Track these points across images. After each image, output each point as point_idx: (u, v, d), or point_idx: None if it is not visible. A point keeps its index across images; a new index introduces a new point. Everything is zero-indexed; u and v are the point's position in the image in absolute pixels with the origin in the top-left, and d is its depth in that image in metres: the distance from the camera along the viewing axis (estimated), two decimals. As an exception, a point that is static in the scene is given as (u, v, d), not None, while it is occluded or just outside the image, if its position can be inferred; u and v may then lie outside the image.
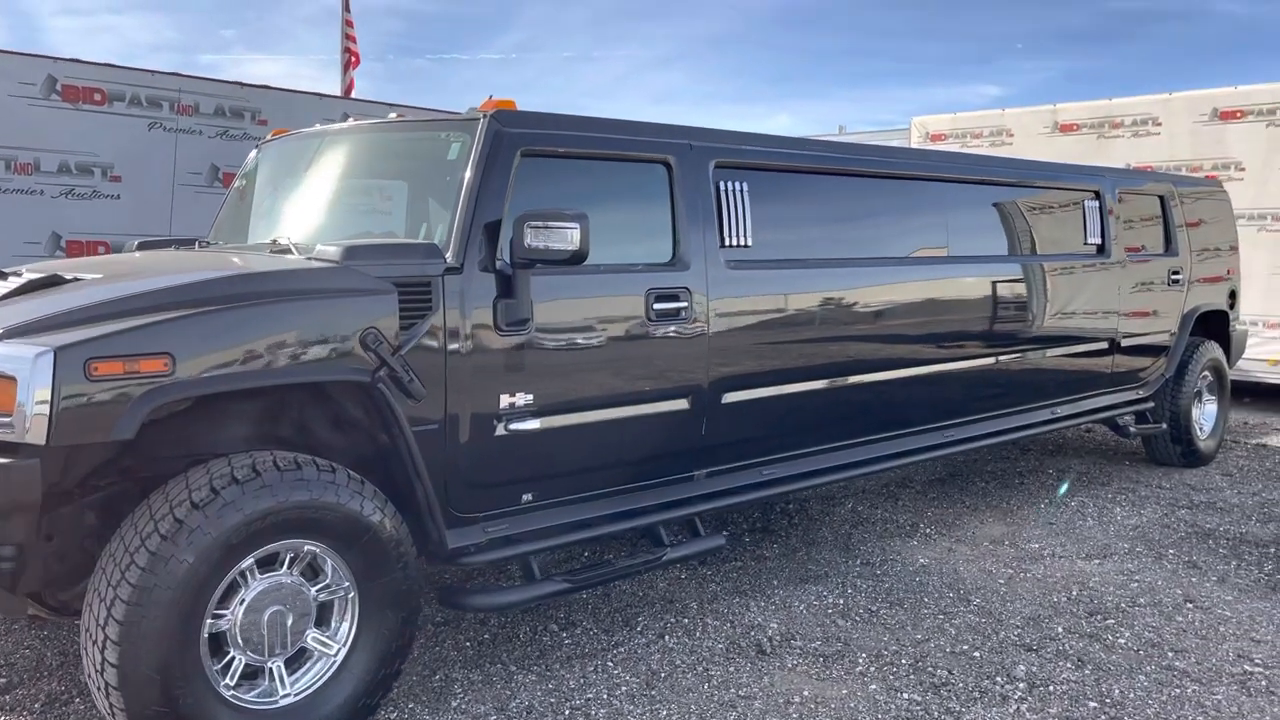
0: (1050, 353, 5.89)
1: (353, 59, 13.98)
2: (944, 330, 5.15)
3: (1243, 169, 9.67)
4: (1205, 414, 7.28)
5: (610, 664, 3.81)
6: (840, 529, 5.55)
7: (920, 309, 4.98)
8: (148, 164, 7.37)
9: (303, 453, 3.20)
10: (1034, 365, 5.79)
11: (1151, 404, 6.82)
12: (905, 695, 3.58)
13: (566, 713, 3.44)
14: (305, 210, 4.17)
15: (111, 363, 2.71)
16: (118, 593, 2.75)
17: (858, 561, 5.00)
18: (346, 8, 13.69)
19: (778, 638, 4.05)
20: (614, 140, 3.88)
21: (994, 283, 5.43)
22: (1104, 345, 6.29)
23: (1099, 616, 4.33)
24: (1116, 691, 3.64)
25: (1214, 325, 7.35)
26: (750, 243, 4.24)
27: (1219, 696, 3.62)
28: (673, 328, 3.94)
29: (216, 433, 3.27)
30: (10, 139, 6.86)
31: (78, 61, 7.11)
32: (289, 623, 3.05)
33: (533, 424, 3.57)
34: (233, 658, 2.97)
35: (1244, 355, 8.36)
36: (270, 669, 3.04)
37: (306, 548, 3.07)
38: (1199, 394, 7.14)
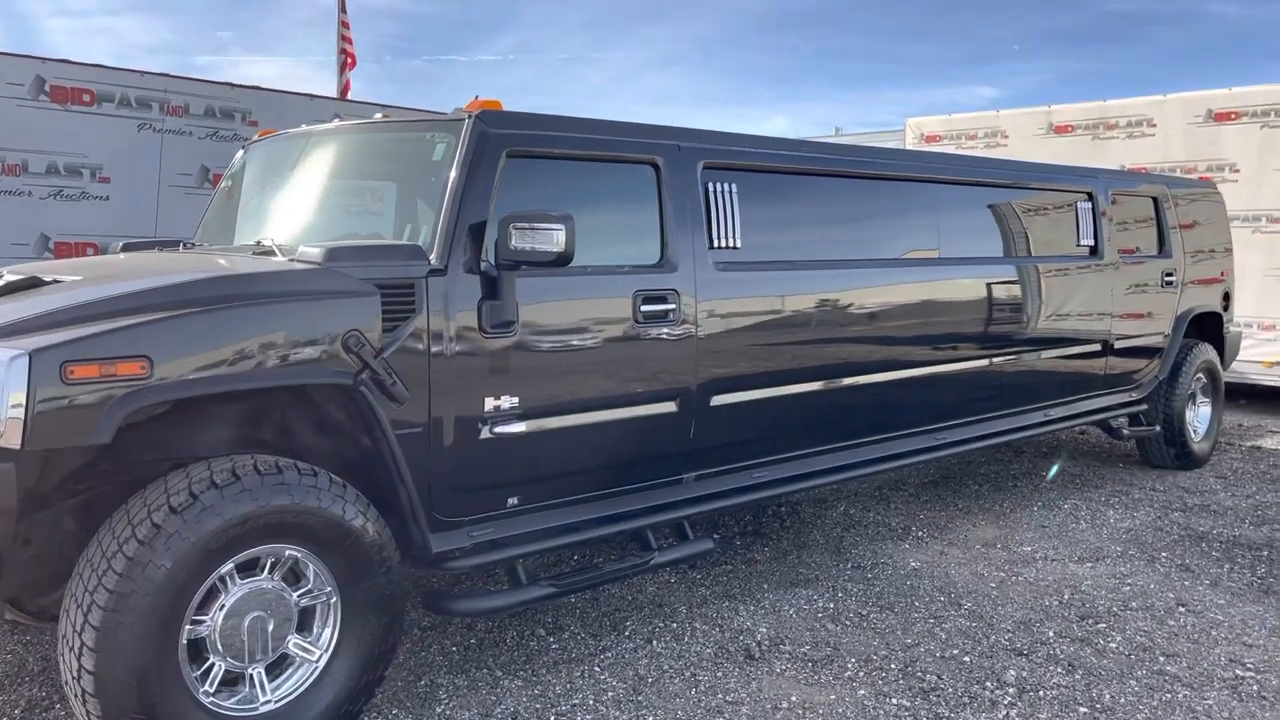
0: (1043, 355, 5.86)
1: (349, 60, 13.97)
2: (935, 332, 5.12)
3: (1237, 170, 9.65)
4: (1199, 416, 7.25)
5: (597, 669, 3.78)
6: (832, 532, 5.52)
7: (911, 311, 4.95)
8: (137, 165, 7.33)
9: (286, 456, 3.17)
10: (1026, 367, 5.76)
11: (1145, 406, 6.80)
12: (894, 700, 3.55)
13: (551, 719, 3.40)
14: (291, 211, 4.14)
15: (88, 365, 2.68)
16: (94, 598, 2.71)
17: (849, 565, 4.97)
18: (342, 9, 13.68)
19: (766, 642, 4.02)
20: (601, 141, 3.85)
21: (986, 284, 5.40)
22: (1097, 347, 6.27)
23: (1090, 620, 4.30)
24: (1107, 696, 3.61)
25: (1208, 327, 7.33)
26: (739, 244, 4.21)
27: (1210, 701, 3.59)
28: (660, 330, 3.91)
29: (198, 436, 3.24)
30: (-2, 140, 6.83)
31: (67, 62, 7.07)
32: (270, 628, 3.02)
33: (518, 427, 3.54)
34: (212, 664, 2.94)
35: (1239, 357, 8.35)
36: (251, 675, 3.01)
37: (288, 552, 3.03)
38: (1193, 396, 7.12)
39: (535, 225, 3.30)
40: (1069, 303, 6.02)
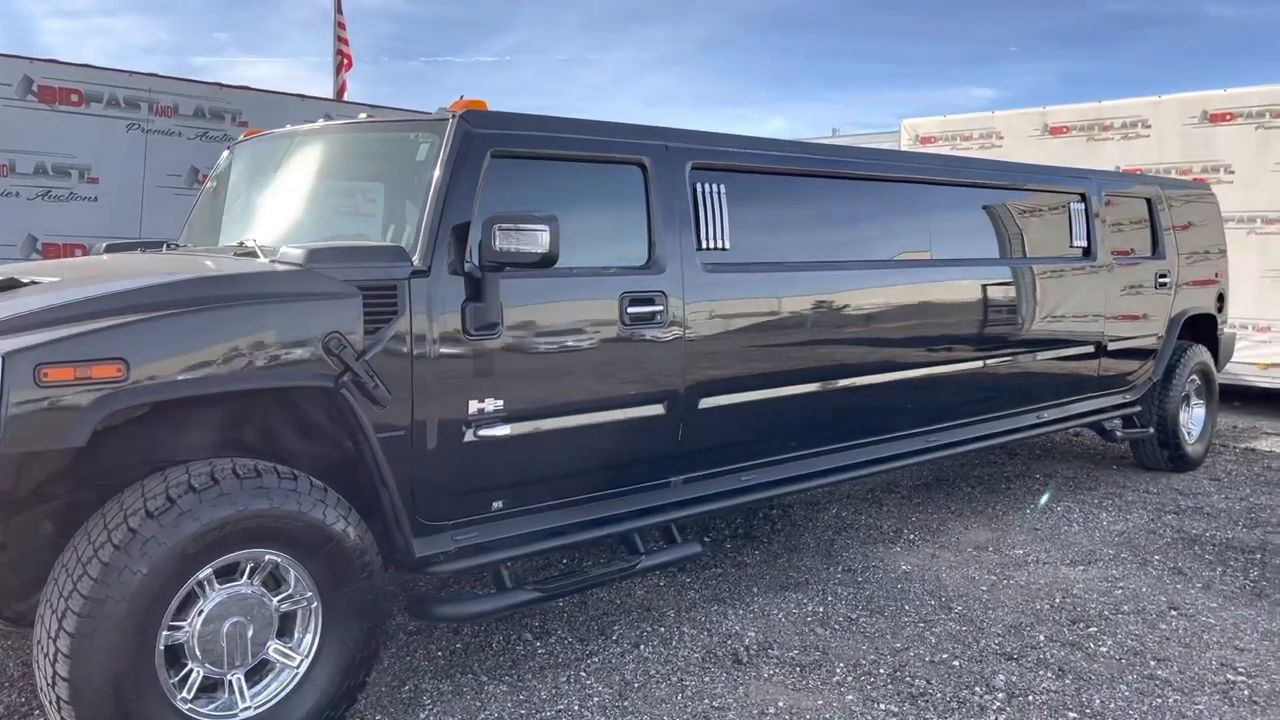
0: (1035, 356, 5.83)
1: (345, 61, 13.94)
2: (926, 334, 5.09)
3: (1232, 171, 9.64)
4: (1193, 418, 7.23)
5: (583, 674, 3.75)
6: (823, 535, 5.49)
7: (902, 313, 4.92)
8: (125, 166, 7.29)
9: (269, 459, 3.14)
10: (1018, 369, 5.73)
11: (1139, 408, 6.78)
12: (882, 706, 3.52)
13: (536, 725, 3.37)
14: (275, 212, 4.10)
15: (62, 368, 2.64)
16: (69, 604, 2.68)
17: (839, 568, 4.93)
18: (339, 10, 13.65)
19: (755, 647, 3.99)
20: (587, 141, 3.82)
21: (977, 286, 5.37)
22: (1090, 349, 6.24)
23: (1081, 624, 4.27)
24: (1097, 701, 3.58)
25: (1202, 329, 7.30)
26: (728, 245, 4.17)
27: (1201, 706, 3.56)
28: (647, 332, 3.87)
29: (178, 439, 3.20)
30: (-14, 140, 6.79)
31: (55, 62, 7.03)
32: (249, 634, 2.98)
33: (503, 430, 3.50)
34: (190, 670, 2.90)
35: (1234, 359, 8.33)
36: (230, 681, 2.97)
37: (268, 557, 3.00)
38: (1187, 398, 7.09)
39: (519, 226, 3.27)
40: (1062, 304, 5.99)
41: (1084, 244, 6.20)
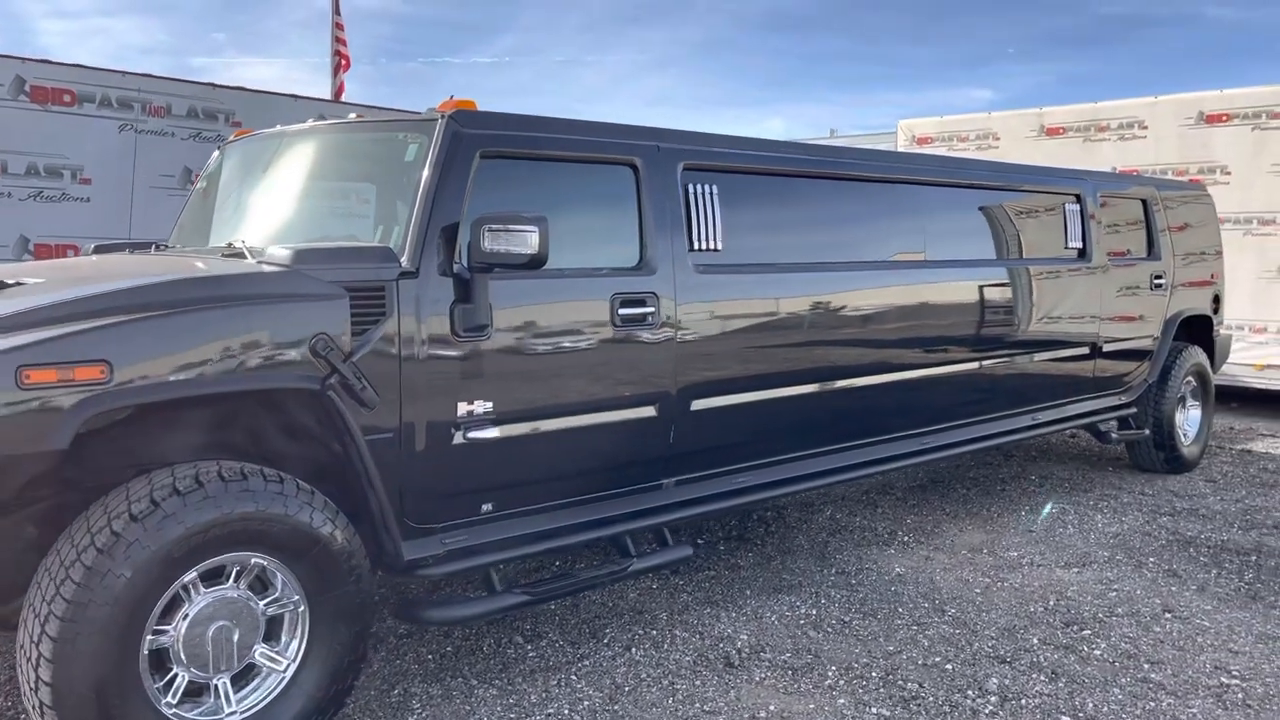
0: (1030, 358, 5.81)
1: (343, 62, 13.91)
2: (920, 336, 5.07)
3: (1229, 173, 9.63)
4: (1189, 419, 7.21)
5: (574, 678, 3.72)
6: (817, 537, 5.47)
7: (896, 314, 4.90)
8: (118, 166, 7.26)
9: (257, 461, 3.12)
10: (1013, 371, 5.72)
11: (1134, 409, 6.76)
12: (874, 710, 3.50)
13: (525, 729, 3.35)
14: (264, 213, 4.08)
15: (45, 370, 2.62)
16: (52, 608, 2.66)
17: (833, 571, 4.91)
18: (336, 10, 13.62)
19: (747, 650, 3.97)
20: (578, 142, 3.80)
21: (972, 287, 5.36)
22: (1085, 350, 6.22)
23: (1075, 627, 4.25)
24: (1090, 705, 3.56)
25: (1198, 330, 7.28)
26: (720, 246, 4.15)
27: (1194, 710, 3.54)
28: (639, 333, 3.85)
29: (165, 441, 3.18)
30: (-23, 141, 6.77)
31: (47, 62, 7.00)
32: (235, 638, 2.96)
33: (492, 432, 3.48)
34: (176, 674, 2.88)
35: (1231, 360, 8.31)
36: (216, 686, 2.95)
37: (254, 560, 2.97)
38: (1182, 399, 7.08)
39: (508, 227, 3.25)
40: (1056, 306, 5.98)
41: (1079, 245, 6.18)
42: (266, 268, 3.18)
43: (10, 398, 2.57)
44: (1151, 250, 6.86)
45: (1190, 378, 7.11)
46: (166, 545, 2.74)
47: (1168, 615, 4.41)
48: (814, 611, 4.38)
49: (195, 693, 2.93)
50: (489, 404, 3.46)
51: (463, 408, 3.41)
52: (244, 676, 3.01)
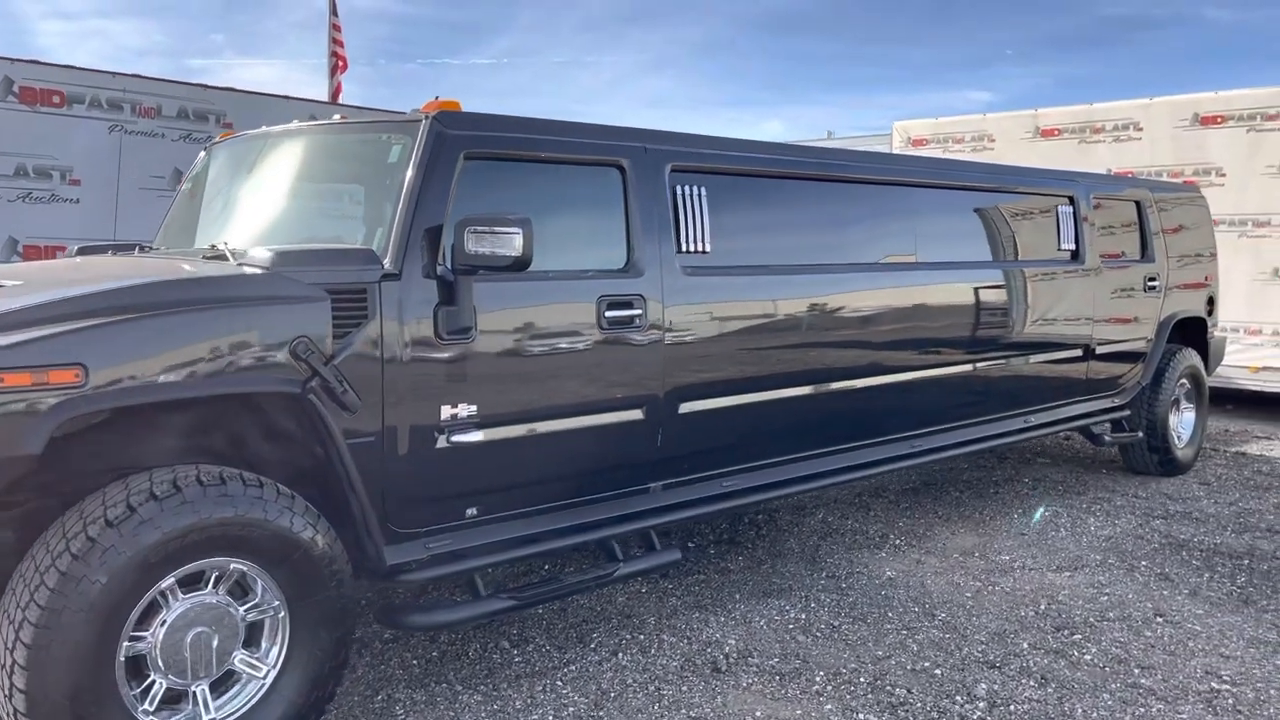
0: (1022, 360, 5.79)
1: (340, 63, 13.88)
2: (911, 338, 5.04)
3: (1224, 174, 9.61)
4: (1183, 422, 7.19)
5: (559, 683, 3.69)
6: (808, 540, 5.44)
7: (886, 316, 4.87)
8: (108, 167, 7.23)
9: (238, 465, 3.09)
10: (1005, 373, 5.69)
11: (1128, 412, 6.73)
12: (861, 716, 3.47)
13: (509, 735, 3.32)
14: (249, 214, 4.05)
15: (18, 374, 2.59)
16: (26, 615, 2.62)
17: (823, 575, 4.88)
18: (334, 12, 13.60)
19: (734, 655, 3.93)
20: (564, 143, 3.77)
21: (963, 289, 5.34)
22: (1078, 352, 6.20)
23: (1066, 631, 4.22)
24: (1079, 711, 3.53)
25: (1192, 332, 7.26)
26: (708, 248, 4.13)
27: (1184, 716, 3.52)
28: (626, 335, 3.82)
29: (144, 445, 3.15)
30: (-34, 142, 6.73)
31: (36, 63, 6.97)
32: (214, 644, 2.92)
33: (476, 436, 3.45)
34: (153, 681, 2.85)
35: (1226, 362, 8.29)
36: (194, 693, 2.91)
37: (233, 566, 2.94)
38: (1176, 402, 7.05)
39: (492, 229, 3.22)
40: (1049, 308, 5.95)
41: (1072, 247, 6.16)
42: (247, 270, 3.16)
43: (-17, 401, 2.54)
44: (1145, 252, 6.83)
45: (1184, 380, 7.09)
46: (143, 551, 2.71)
47: (1159, 619, 4.39)
48: (803, 616, 4.35)
49: (173, 700, 2.90)
50: (473, 407, 3.43)
51: (446, 411, 3.38)
52: (223, 683, 2.98)
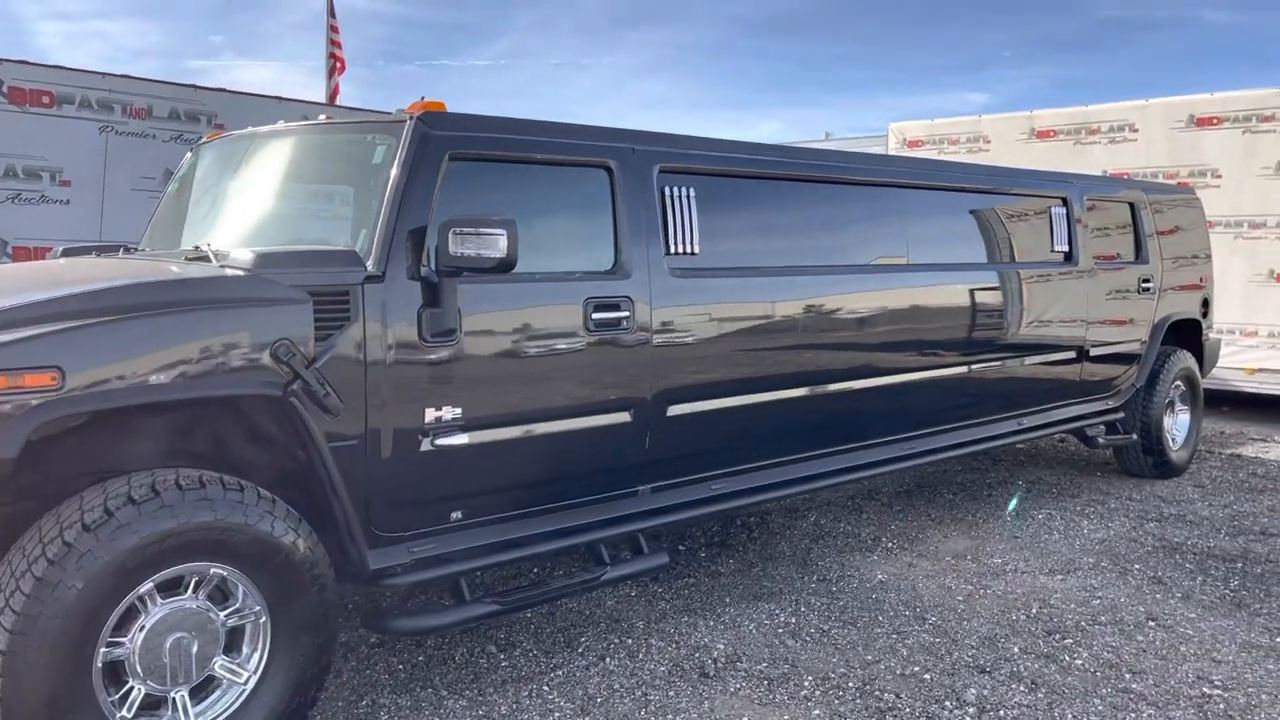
0: (1015, 362, 5.76)
1: (338, 65, 13.88)
2: (902, 340, 5.01)
3: (1219, 176, 9.59)
4: (1178, 424, 7.16)
5: (546, 688, 3.66)
6: (800, 543, 5.41)
7: (877, 319, 4.85)
8: (98, 168, 7.19)
9: (221, 469, 3.06)
10: (998, 375, 5.67)
11: (1122, 414, 6.70)
12: (849, 721, 3.44)
13: (493, 741, 3.29)
14: (234, 215, 4.02)
15: (-7, 377, 2.56)
16: (1, 621, 2.59)
17: (814, 578, 4.85)
18: (331, 14, 13.60)
19: (723, 659, 3.91)
20: (550, 144, 3.74)
21: (955, 291, 5.31)
22: (1071, 354, 6.17)
23: (1057, 636, 4.20)
24: (1069, 716, 3.50)
25: (1186, 334, 7.23)
26: (696, 250, 4.10)
27: (1175, 721, 3.49)
28: (613, 338, 3.79)
29: (124, 448, 3.12)
30: (-45, 143, 6.70)
31: (25, 63, 6.94)
32: (194, 650, 2.89)
33: (461, 439, 3.42)
34: (132, 687, 2.82)
35: (1222, 363, 8.26)
36: (173, 699, 2.88)
37: (213, 570, 2.91)
38: (1171, 404, 7.03)
39: (476, 230, 3.19)
40: (1042, 310, 5.92)
41: (1065, 249, 6.13)
42: (228, 271, 3.13)
43: (-43, 405, 2.51)
44: (1139, 254, 6.81)
45: (1179, 382, 7.06)
46: (120, 556, 2.68)
47: (1151, 623, 4.36)
48: (793, 620, 4.32)
49: (152, 706, 2.87)
50: (458, 410, 3.40)
51: (431, 414, 3.35)
52: (203, 689, 2.95)
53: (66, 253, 4.32)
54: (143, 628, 2.80)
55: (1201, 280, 7.41)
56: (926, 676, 3.78)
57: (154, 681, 2.84)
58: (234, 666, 2.98)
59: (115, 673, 2.80)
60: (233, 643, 3.00)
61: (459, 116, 3.54)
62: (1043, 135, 10.80)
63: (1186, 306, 7.18)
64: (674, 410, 4.03)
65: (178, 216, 4.34)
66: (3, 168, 6.86)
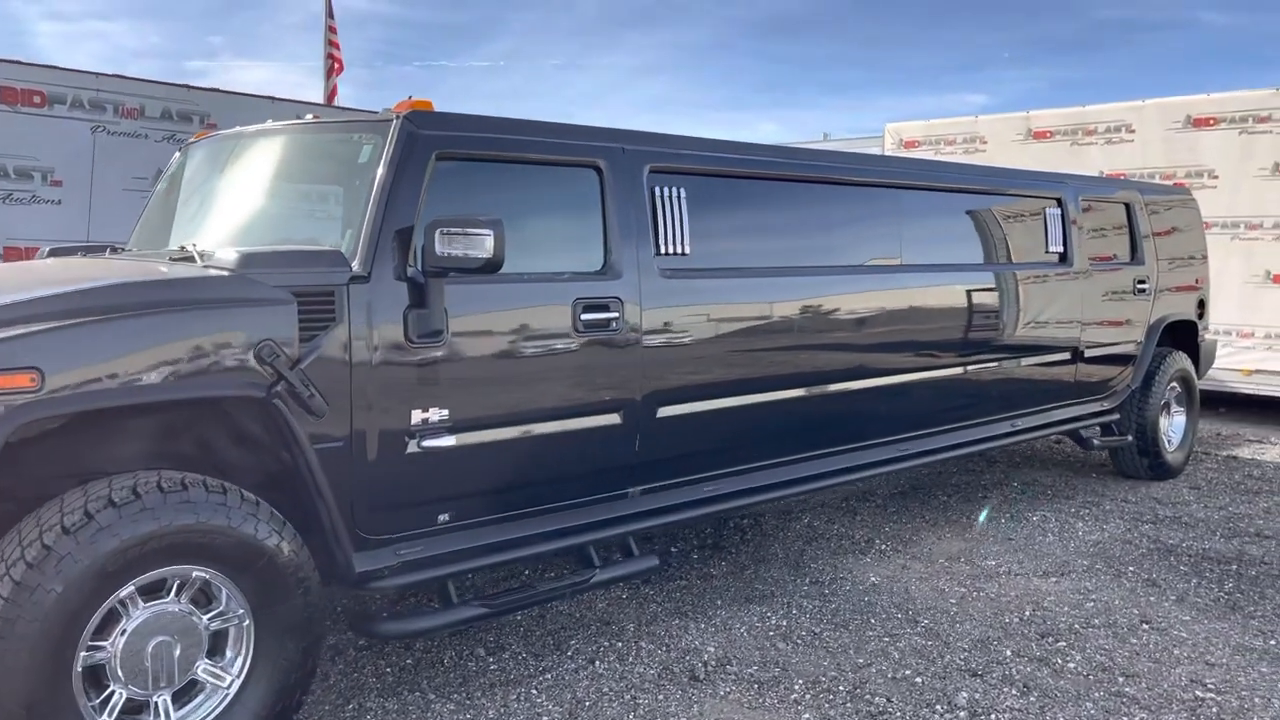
0: (1008, 363, 5.74)
1: (336, 65, 13.85)
2: (894, 341, 4.99)
3: (1216, 177, 9.57)
4: (1173, 426, 7.14)
5: (534, 692, 3.64)
6: (792, 545, 5.38)
7: (870, 320, 4.82)
8: (91, 168, 7.16)
9: (206, 471, 3.03)
10: (991, 376, 5.64)
11: (1117, 416, 6.68)
12: (839, 725, 3.41)
13: (480, 746, 3.26)
14: (220, 215, 3.99)
15: (-30, 379, 2.53)
16: (-21, 624, 2.56)
17: (806, 580, 4.83)
18: (330, 14, 13.58)
19: (713, 662, 3.88)
20: (539, 143, 3.72)
21: (949, 292, 5.29)
22: (1066, 356, 6.15)
23: (1050, 638, 4.17)
24: (1061, 720, 3.48)
25: (1182, 335, 7.21)
26: (687, 250, 4.07)
27: (1167, 725, 3.47)
28: (602, 339, 3.77)
29: (108, 450, 3.09)
30: (-54, 143, 6.67)
31: (17, 63, 6.92)
32: (177, 653, 2.87)
33: (448, 441, 3.39)
34: (113, 692, 2.79)
35: (1218, 364, 8.24)
36: (155, 703, 2.85)
37: (195, 574, 2.88)
38: (1167, 405, 7.00)
39: (463, 230, 3.16)
40: (1036, 311, 5.90)
41: (1060, 249, 6.11)
42: (211, 272, 3.10)
43: (-66, 406, 2.48)
44: (1135, 255, 6.78)
45: (1174, 383, 7.04)
46: (100, 559, 2.65)
47: (1145, 626, 4.33)
48: (784, 623, 4.29)
49: (134, 710, 2.84)
50: (445, 411, 3.38)
51: (417, 415, 3.32)
52: (186, 693, 2.93)
53: (53, 253, 4.30)
54: (124, 631, 2.77)
55: (1198, 281, 7.39)
56: (918, 680, 3.76)
57: (136, 686, 2.81)
58: (217, 670, 2.95)
59: (96, 677, 2.77)
60: (216, 646, 2.97)
61: (446, 116, 3.51)
62: (1039, 136, 10.78)
63: (1182, 308, 7.16)
64: (664, 412, 4.01)
65: (166, 216, 4.31)
66: (-6, 168, 6.84)
